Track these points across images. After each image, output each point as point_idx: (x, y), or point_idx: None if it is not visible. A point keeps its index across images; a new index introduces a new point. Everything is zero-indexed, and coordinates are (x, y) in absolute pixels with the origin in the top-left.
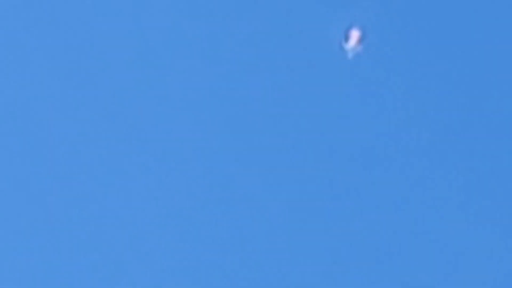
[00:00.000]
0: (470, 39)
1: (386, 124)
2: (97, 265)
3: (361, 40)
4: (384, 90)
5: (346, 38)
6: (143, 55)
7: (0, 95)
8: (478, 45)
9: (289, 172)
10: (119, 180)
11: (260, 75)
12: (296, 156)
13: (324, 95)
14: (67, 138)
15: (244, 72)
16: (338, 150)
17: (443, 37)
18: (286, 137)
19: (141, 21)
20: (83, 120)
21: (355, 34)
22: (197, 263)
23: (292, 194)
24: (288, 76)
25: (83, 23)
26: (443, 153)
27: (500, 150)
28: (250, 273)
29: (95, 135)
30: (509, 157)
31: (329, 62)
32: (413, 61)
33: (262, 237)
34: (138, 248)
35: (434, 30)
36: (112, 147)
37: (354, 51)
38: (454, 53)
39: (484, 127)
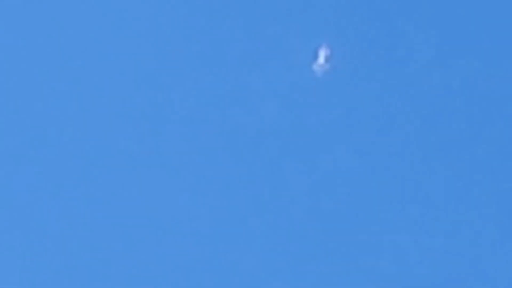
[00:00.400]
0: (438, 56)
1: (355, 142)
2: (96, 265)
3: (329, 58)
4: (354, 108)
5: (315, 56)
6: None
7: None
8: (446, 65)
9: (256, 194)
10: (118, 179)
11: (228, 94)
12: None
13: (294, 114)
14: (67, 138)
15: (213, 91)
16: (306, 168)
17: (411, 54)
18: (255, 157)
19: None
20: (83, 120)
21: (323, 53)
22: (197, 263)
23: (261, 212)
24: (256, 96)
25: (82, 23)
26: (414, 167)
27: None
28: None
29: (95, 135)
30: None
31: (298, 81)
32: (382, 79)
33: (260, 237)
34: (138, 248)
35: (404, 47)
36: (111, 147)
37: (323, 70)
38: (422, 69)
39: (457, 147)
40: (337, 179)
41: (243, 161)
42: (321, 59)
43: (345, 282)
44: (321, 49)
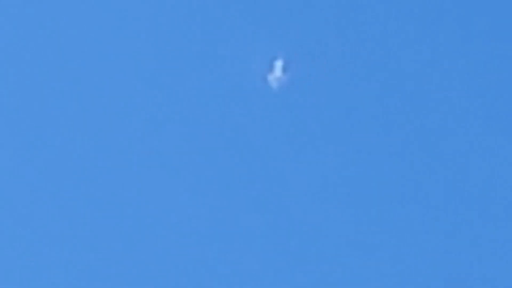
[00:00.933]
0: (393, 67)
1: (311, 154)
2: (96, 265)
3: (285, 70)
4: (310, 120)
5: (270, 69)
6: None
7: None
8: (404, 75)
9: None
10: (117, 180)
11: (183, 107)
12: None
13: (249, 126)
14: (66, 138)
15: (166, 103)
16: (261, 180)
17: (367, 64)
18: (209, 168)
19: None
20: (81, 120)
21: (279, 65)
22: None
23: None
24: (212, 108)
25: (81, 23)
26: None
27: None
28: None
29: (94, 135)
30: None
31: (254, 93)
32: (338, 91)
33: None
34: (138, 247)
35: (359, 59)
36: (110, 147)
37: (279, 82)
38: (379, 79)
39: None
40: (291, 190)
41: (194, 170)
42: (277, 71)
43: (345, 282)
44: (277, 61)
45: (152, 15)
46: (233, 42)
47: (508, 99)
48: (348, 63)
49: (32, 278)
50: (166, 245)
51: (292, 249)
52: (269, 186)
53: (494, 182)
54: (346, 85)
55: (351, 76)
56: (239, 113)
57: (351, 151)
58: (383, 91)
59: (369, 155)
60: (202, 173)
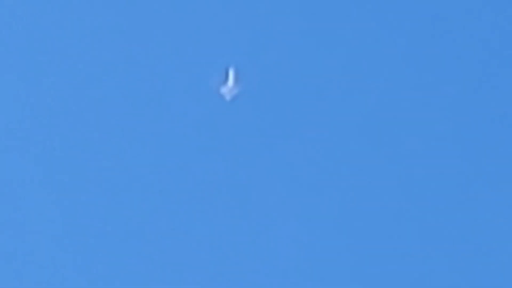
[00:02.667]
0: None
1: (265, 165)
2: (96, 265)
3: (237, 81)
4: (263, 131)
5: (223, 80)
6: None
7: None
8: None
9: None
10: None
11: (138, 120)
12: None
13: (203, 137)
14: (66, 137)
15: (123, 117)
16: (216, 191)
17: (321, 79)
18: (164, 179)
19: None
20: (80, 119)
21: (231, 76)
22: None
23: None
24: (166, 120)
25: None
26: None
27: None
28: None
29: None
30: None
31: (207, 104)
32: (290, 102)
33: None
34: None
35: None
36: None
37: (231, 93)
38: (330, 88)
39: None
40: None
41: (144, 180)
42: (230, 82)
43: (344, 282)
44: (229, 73)
45: (104, 28)
46: (186, 54)
47: (507, 99)
48: (300, 74)
49: (31, 278)
50: (163, 244)
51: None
52: (225, 199)
53: (493, 182)
54: (297, 96)
55: (304, 88)
56: (194, 124)
57: (300, 162)
58: (334, 100)
59: (319, 164)
60: (154, 182)
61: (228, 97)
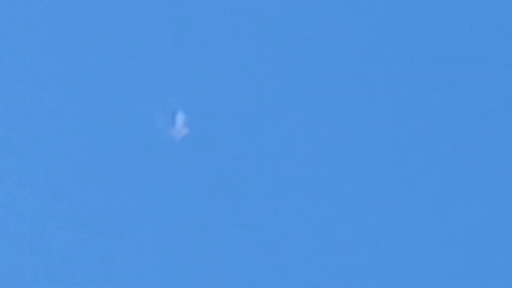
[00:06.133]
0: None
1: (210, 204)
2: (95, 265)
3: (186, 123)
4: (213, 171)
5: (172, 122)
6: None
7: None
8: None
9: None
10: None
11: (90, 162)
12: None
13: (152, 178)
14: (65, 137)
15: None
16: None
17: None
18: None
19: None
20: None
21: (180, 118)
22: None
23: None
24: (117, 161)
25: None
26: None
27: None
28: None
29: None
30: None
31: (156, 145)
32: (239, 142)
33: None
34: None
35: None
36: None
37: (181, 134)
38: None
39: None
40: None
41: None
42: (179, 124)
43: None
44: (178, 115)
45: (55, 67)
46: (136, 98)
47: (508, 99)
48: (248, 113)
49: (32, 278)
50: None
51: None
52: (176, 242)
53: (494, 181)
54: (247, 138)
55: (252, 128)
56: (143, 165)
57: (252, 203)
58: (283, 139)
59: (270, 206)
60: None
61: (177, 138)
